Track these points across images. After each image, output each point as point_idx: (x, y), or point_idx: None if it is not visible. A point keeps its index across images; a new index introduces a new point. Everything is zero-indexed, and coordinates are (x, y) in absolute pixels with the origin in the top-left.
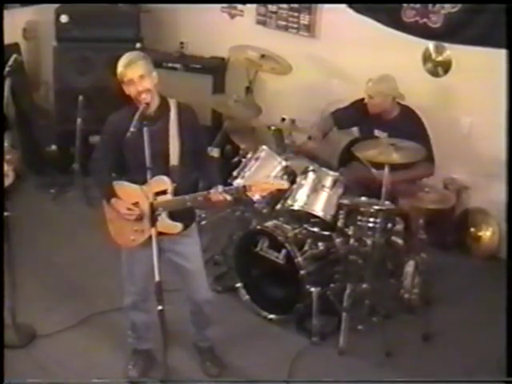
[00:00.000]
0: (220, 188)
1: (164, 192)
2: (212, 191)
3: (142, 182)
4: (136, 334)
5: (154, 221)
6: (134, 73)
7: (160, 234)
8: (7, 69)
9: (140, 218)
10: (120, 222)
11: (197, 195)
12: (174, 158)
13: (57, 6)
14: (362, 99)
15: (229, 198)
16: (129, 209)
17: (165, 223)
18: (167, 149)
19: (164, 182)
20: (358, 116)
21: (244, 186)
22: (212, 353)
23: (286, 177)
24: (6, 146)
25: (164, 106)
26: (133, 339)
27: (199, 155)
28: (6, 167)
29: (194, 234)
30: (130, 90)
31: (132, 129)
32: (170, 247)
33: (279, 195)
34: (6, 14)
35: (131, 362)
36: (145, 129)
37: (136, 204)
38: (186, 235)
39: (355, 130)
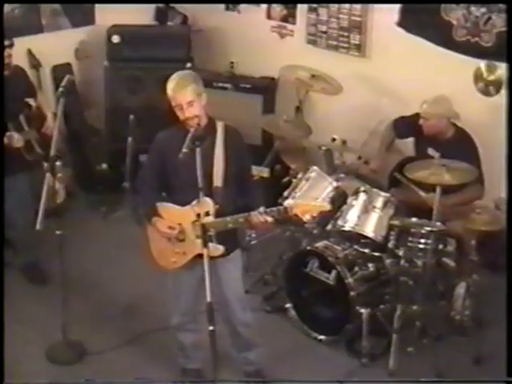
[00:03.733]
0: (261, 209)
1: (207, 213)
2: (253, 213)
3: (184, 203)
4: (184, 354)
5: (205, 241)
6: (183, 99)
7: (200, 256)
8: (61, 89)
9: (182, 240)
10: (162, 244)
11: (238, 217)
12: (217, 180)
13: (109, 26)
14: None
15: (270, 219)
16: (169, 227)
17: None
18: (211, 170)
19: (207, 204)
20: (414, 128)
21: (285, 208)
22: (260, 376)
23: (336, 197)
24: (58, 165)
25: (211, 126)
26: (182, 358)
27: (243, 177)
28: (57, 185)
29: (237, 260)
30: (179, 114)
31: (184, 149)
32: (213, 271)
33: (330, 215)
34: (60, 34)
35: (180, 381)
36: (197, 149)
37: (179, 225)
38: (228, 260)
39: (405, 150)
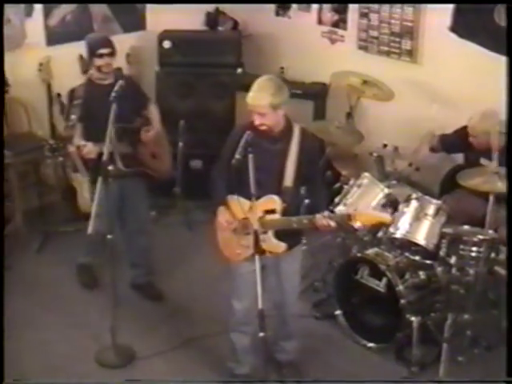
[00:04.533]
0: (326, 213)
1: (273, 211)
2: (318, 216)
3: (254, 198)
4: (235, 358)
5: (257, 244)
6: (258, 109)
7: (264, 251)
8: (113, 94)
9: (248, 233)
10: (228, 234)
11: (303, 218)
12: (288, 180)
13: (160, 31)
14: (466, 127)
15: (332, 223)
16: (227, 221)
17: (270, 242)
18: (283, 170)
19: (274, 201)
20: (463, 143)
21: (348, 215)
22: (293, 368)
23: (388, 204)
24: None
25: (288, 128)
26: (232, 363)
27: (313, 181)
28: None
29: (298, 254)
30: (251, 115)
31: (237, 156)
32: (273, 264)
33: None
34: (112, 39)
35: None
36: (250, 156)
37: (246, 219)
38: (290, 254)
39: (456, 156)
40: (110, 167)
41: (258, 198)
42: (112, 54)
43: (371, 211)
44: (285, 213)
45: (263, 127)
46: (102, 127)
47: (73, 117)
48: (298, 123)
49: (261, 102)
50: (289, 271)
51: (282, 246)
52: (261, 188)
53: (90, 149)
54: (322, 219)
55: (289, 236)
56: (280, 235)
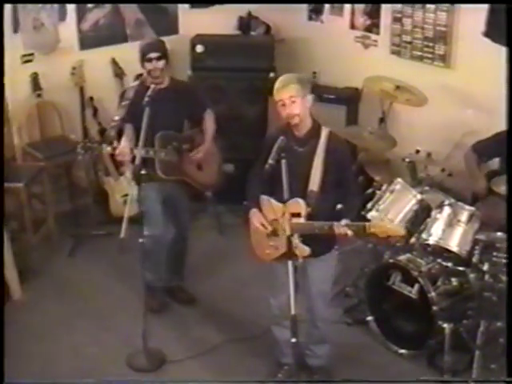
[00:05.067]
0: (343, 222)
1: (298, 215)
2: (335, 223)
3: (283, 200)
4: (279, 349)
5: (290, 247)
6: (285, 94)
7: (295, 255)
8: (146, 99)
9: (277, 234)
10: (259, 234)
11: (324, 224)
12: (313, 184)
13: (193, 36)
14: (505, 131)
15: (350, 232)
16: (262, 224)
17: (295, 245)
18: (309, 173)
19: (299, 205)
20: (500, 148)
21: (364, 226)
22: (325, 373)
23: (420, 210)
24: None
25: (315, 131)
26: (277, 353)
27: (343, 187)
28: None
29: (330, 261)
30: (281, 111)
31: (270, 161)
32: (303, 266)
33: (413, 228)
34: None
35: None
36: (283, 161)
37: (275, 220)
38: (321, 260)
39: (491, 163)
40: (143, 171)
41: (286, 201)
42: (161, 57)
43: (386, 222)
44: (310, 217)
45: (295, 120)
46: (147, 132)
47: (116, 118)
48: (327, 127)
49: (289, 88)
50: (317, 277)
51: (305, 250)
52: (290, 190)
53: (121, 150)
54: (340, 228)
55: (316, 242)
56: (306, 240)
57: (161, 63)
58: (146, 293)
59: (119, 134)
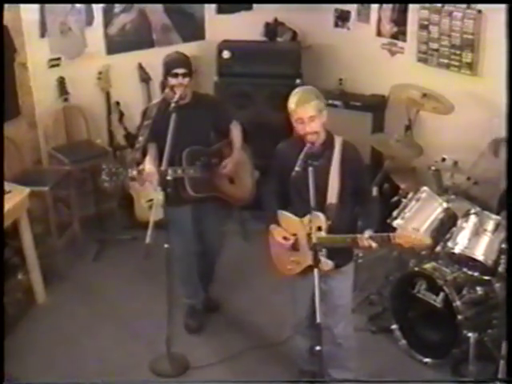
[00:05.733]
0: (367, 234)
1: (319, 229)
2: (359, 236)
3: (303, 215)
4: (302, 357)
5: (317, 258)
6: (305, 113)
7: (312, 267)
8: (173, 104)
9: (297, 249)
10: (279, 250)
11: (346, 236)
12: (331, 196)
13: (219, 42)
14: None
15: (374, 245)
16: (284, 238)
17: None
18: (326, 186)
19: (319, 219)
20: None
21: (388, 236)
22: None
23: (446, 219)
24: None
25: (329, 142)
26: (299, 360)
27: (360, 195)
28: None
29: (350, 272)
30: (298, 128)
31: (297, 168)
32: (323, 280)
33: (439, 237)
34: (171, 49)
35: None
36: (310, 169)
37: (294, 235)
38: (341, 272)
39: None
40: (169, 190)
41: (304, 214)
42: (187, 74)
43: (411, 232)
44: (331, 230)
45: (313, 137)
46: (173, 150)
47: (140, 138)
48: (353, 134)
49: (310, 107)
50: (337, 290)
51: (329, 264)
52: (307, 204)
53: (148, 173)
54: (364, 240)
55: (340, 253)
56: (329, 253)
57: (186, 80)
58: (186, 313)
59: (143, 154)
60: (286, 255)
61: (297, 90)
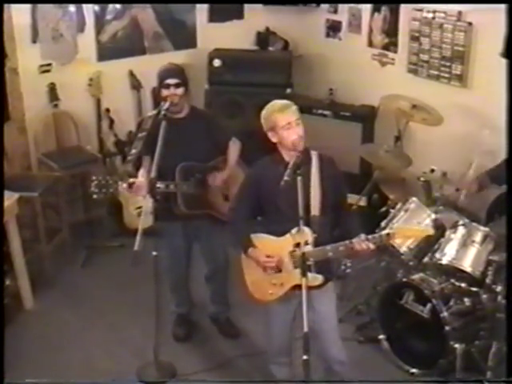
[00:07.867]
0: (363, 236)
1: (306, 243)
2: (355, 240)
3: (281, 233)
4: None
5: (305, 271)
6: (292, 116)
7: (297, 287)
8: (163, 112)
9: (279, 271)
10: (258, 275)
11: (338, 245)
12: (314, 209)
13: (210, 50)
14: None
15: (372, 246)
16: (268, 256)
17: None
18: (308, 199)
19: (305, 233)
20: None
21: (388, 234)
22: None
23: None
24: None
25: (306, 156)
26: None
27: (339, 206)
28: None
29: (331, 291)
30: (286, 135)
31: (286, 177)
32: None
33: (427, 248)
34: (162, 56)
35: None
36: (299, 178)
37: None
38: (323, 292)
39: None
40: (158, 197)
41: (284, 232)
42: (180, 84)
43: (411, 226)
44: (316, 243)
45: (301, 143)
46: (167, 164)
47: (133, 151)
48: (343, 144)
49: (294, 110)
50: (324, 311)
51: (318, 278)
52: (288, 221)
53: (138, 185)
54: (361, 243)
55: (323, 268)
56: (314, 268)
57: (179, 90)
58: (175, 321)
59: (137, 168)
60: (267, 279)
61: (271, 102)
